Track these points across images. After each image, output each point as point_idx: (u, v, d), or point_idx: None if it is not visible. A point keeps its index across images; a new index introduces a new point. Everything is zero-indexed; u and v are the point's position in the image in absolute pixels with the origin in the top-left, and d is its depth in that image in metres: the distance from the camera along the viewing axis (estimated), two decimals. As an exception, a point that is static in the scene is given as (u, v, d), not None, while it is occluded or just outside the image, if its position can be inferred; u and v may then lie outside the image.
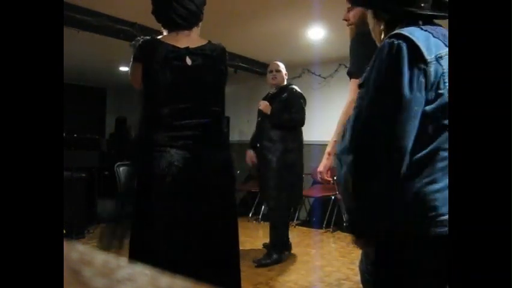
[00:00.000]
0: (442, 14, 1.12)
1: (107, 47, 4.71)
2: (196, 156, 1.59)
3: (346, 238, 4.49)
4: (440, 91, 1.03)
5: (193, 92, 1.69)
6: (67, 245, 0.31)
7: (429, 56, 1.02)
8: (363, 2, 1.31)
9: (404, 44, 1.02)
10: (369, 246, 1.15)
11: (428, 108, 1.03)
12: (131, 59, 1.76)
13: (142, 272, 0.27)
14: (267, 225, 4.11)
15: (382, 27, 1.19)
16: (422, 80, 1.01)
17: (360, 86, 1.11)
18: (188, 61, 1.72)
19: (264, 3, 3.58)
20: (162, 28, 1.86)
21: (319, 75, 6.06)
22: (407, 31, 1.05)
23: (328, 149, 1.98)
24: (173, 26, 1.76)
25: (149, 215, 1.57)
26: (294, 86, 3.76)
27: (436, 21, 1.17)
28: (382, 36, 1.19)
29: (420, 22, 1.10)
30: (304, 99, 3.70)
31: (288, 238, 3.75)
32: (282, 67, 3.74)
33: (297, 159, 3.63)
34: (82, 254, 0.29)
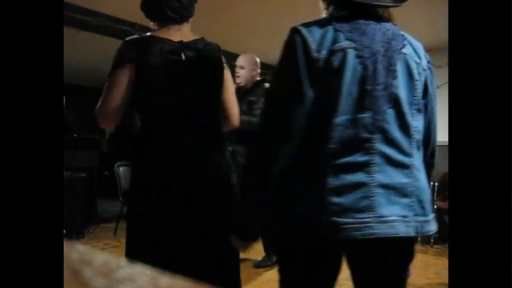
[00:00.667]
0: (377, 3, 1.05)
1: (107, 47, 4.72)
2: (195, 156, 1.57)
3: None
4: (324, 89, 0.97)
5: (190, 88, 1.60)
6: (66, 245, 0.31)
7: (317, 53, 0.97)
8: None
9: (297, 38, 0.99)
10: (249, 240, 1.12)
11: (318, 105, 0.98)
12: (115, 66, 1.52)
13: (142, 272, 0.27)
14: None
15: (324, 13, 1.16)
16: (312, 76, 0.97)
17: None
18: (183, 56, 1.61)
19: (264, 3, 3.58)
20: (152, 24, 1.75)
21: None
22: (305, 25, 1.01)
23: None
24: (165, 20, 1.66)
25: (148, 216, 1.55)
26: (266, 84, 3.14)
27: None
28: None
29: (337, 11, 1.06)
30: None
31: None
32: (248, 62, 3.10)
33: None
34: (82, 254, 0.29)
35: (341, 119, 0.96)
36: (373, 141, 0.97)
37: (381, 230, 0.93)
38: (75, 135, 5.14)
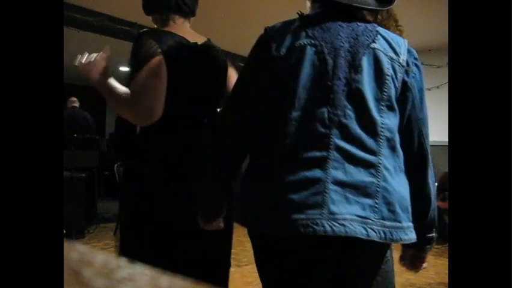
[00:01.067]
0: (360, 5, 1.03)
1: (107, 47, 4.73)
2: (196, 156, 1.55)
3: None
4: (283, 85, 0.97)
5: (200, 88, 1.55)
6: (66, 245, 0.31)
7: (277, 51, 0.98)
8: None
9: (262, 37, 1.03)
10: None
11: (271, 103, 0.99)
12: (146, 57, 1.38)
13: (142, 272, 0.27)
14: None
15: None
16: (269, 74, 0.98)
17: None
18: (203, 58, 1.57)
19: (265, 3, 3.59)
20: (156, 20, 1.64)
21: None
22: (272, 25, 1.03)
23: None
24: (174, 12, 1.55)
25: (148, 217, 1.53)
26: None
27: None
28: None
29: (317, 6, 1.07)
30: None
31: None
32: None
33: None
34: (82, 254, 0.29)
35: (296, 114, 0.95)
36: (330, 137, 0.93)
37: (331, 228, 0.88)
38: (75, 135, 5.15)
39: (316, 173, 0.91)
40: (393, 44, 1.05)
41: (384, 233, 0.92)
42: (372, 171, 0.94)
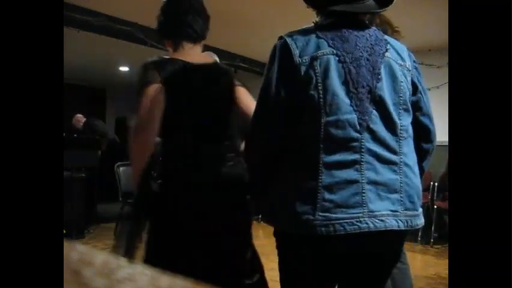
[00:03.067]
0: (363, 11, 1.12)
1: (107, 47, 4.71)
2: (216, 175, 1.59)
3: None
4: (309, 92, 1.04)
5: (211, 112, 1.65)
6: (66, 245, 0.31)
7: (299, 58, 1.04)
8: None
9: (281, 45, 1.08)
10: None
11: (298, 109, 1.05)
12: (143, 84, 1.55)
13: (142, 272, 0.27)
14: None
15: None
16: (293, 81, 1.05)
17: None
18: (205, 79, 1.67)
19: (265, 4, 3.59)
20: (169, 45, 1.76)
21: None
22: (290, 33, 1.10)
23: None
24: (184, 38, 1.69)
25: (177, 224, 1.57)
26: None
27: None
28: None
29: (323, 19, 1.13)
30: None
31: None
32: None
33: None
34: (82, 254, 0.29)
35: (329, 119, 1.02)
36: (362, 141, 1.02)
37: (373, 224, 0.99)
38: (75, 135, 5.14)
39: (352, 174, 1.00)
40: (399, 51, 1.15)
41: (407, 221, 1.05)
42: (396, 168, 1.06)
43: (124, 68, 6.18)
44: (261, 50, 5.25)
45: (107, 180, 4.86)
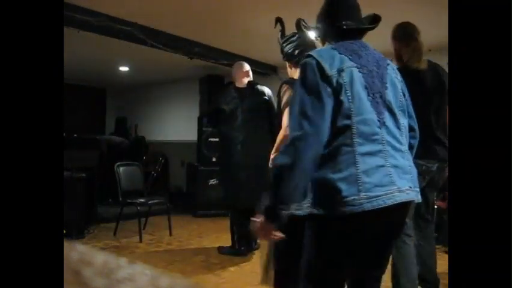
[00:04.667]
0: (363, 27, 1.46)
1: (107, 47, 4.71)
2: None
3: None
4: (340, 98, 1.29)
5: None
6: (67, 245, 0.31)
7: (330, 71, 1.30)
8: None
9: (312, 61, 1.32)
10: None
11: (333, 112, 1.29)
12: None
13: (142, 272, 0.27)
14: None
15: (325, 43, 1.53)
16: (329, 89, 1.29)
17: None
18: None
19: (265, 4, 3.59)
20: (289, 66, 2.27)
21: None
22: (316, 52, 1.37)
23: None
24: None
25: None
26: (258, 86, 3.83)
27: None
28: None
29: (336, 39, 1.42)
30: (215, 99, 3.72)
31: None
32: (237, 69, 3.80)
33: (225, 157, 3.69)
34: (82, 254, 0.29)
35: (357, 119, 1.29)
36: (382, 134, 1.31)
37: (402, 197, 1.27)
38: (75, 135, 5.14)
39: (379, 161, 1.28)
40: (393, 66, 1.48)
41: (417, 195, 1.36)
42: (404, 155, 1.36)
43: (124, 68, 6.18)
44: (261, 50, 5.25)
45: (107, 180, 4.85)
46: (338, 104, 1.29)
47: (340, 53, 1.34)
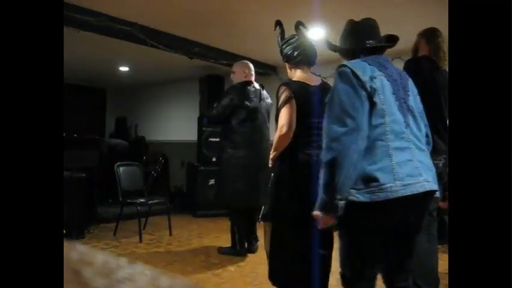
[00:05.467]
0: (384, 44, 1.69)
1: (107, 47, 4.71)
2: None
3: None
4: (374, 99, 1.48)
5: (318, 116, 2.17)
6: (67, 245, 0.31)
7: (364, 77, 1.49)
8: (333, 49, 1.84)
9: (347, 69, 1.52)
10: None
11: (368, 112, 1.48)
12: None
13: (142, 272, 0.27)
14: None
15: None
16: (363, 92, 1.47)
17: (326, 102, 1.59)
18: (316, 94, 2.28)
19: (265, 4, 3.58)
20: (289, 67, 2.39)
21: (319, 75, 6.06)
22: (348, 62, 1.56)
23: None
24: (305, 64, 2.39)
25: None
26: (233, 84, 3.66)
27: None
28: None
29: (362, 55, 1.62)
30: (233, 96, 3.52)
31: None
32: (237, 68, 3.75)
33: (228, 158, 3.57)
34: (82, 254, 0.29)
35: (389, 118, 1.49)
36: (408, 133, 1.51)
37: (429, 186, 1.46)
38: (75, 135, 5.13)
39: (408, 156, 1.47)
40: (410, 79, 1.69)
41: (438, 189, 1.56)
42: (426, 154, 1.56)
43: (124, 68, 6.18)
44: (261, 50, 5.25)
45: (107, 180, 4.85)
46: (372, 105, 1.48)
47: (369, 64, 1.55)
